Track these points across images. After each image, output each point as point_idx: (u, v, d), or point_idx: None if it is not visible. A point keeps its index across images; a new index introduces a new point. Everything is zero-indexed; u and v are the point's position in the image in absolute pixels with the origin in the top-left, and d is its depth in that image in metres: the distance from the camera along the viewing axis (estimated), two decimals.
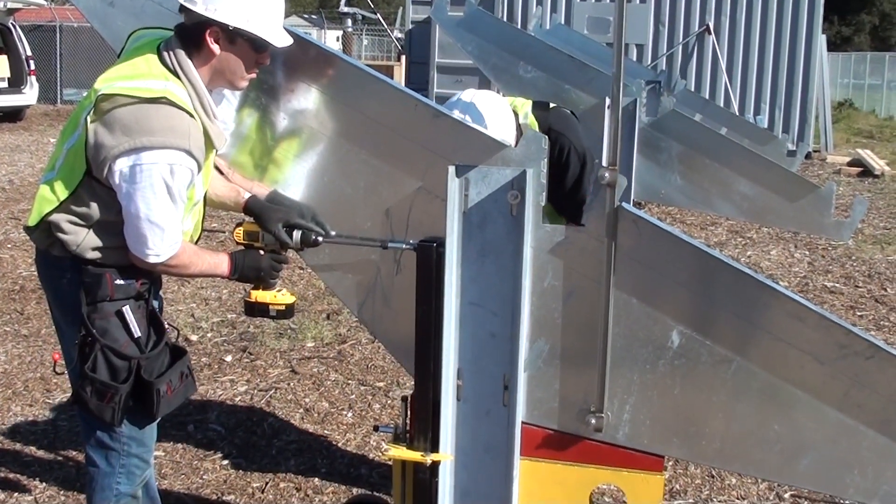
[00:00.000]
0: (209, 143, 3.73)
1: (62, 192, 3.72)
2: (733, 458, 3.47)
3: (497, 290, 3.53)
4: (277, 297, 4.02)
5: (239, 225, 3.99)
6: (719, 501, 5.72)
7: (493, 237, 3.51)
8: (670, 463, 5.90)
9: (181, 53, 3.70)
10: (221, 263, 3.91)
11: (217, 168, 3.98)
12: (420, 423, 3.67)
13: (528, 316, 3.50)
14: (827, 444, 3.32)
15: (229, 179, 4.05)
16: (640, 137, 7.72)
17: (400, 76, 24.99)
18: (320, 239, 3.85)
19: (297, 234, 3.85)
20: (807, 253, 12.36)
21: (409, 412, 3.78)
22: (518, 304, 3.48)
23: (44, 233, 3.83)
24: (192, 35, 3.70)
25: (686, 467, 6.00)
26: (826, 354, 3.25)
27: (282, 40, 3.72)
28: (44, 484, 5.61)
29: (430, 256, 3.55)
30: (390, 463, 4.11)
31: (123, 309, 3.82)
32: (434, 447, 3.62)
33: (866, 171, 19.81)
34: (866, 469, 3.31)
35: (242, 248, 3.98)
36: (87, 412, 3.88)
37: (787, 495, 5.77)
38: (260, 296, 4.02)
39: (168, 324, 4.05)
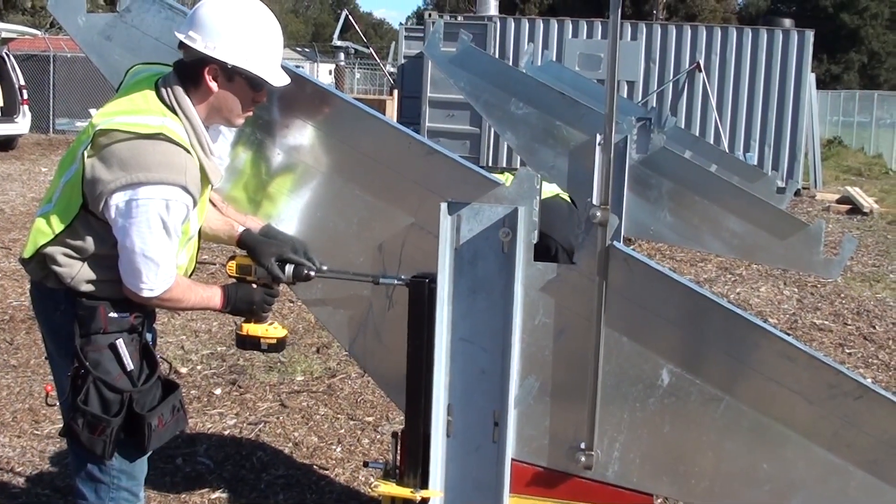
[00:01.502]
0: (205, 179, 3.73)
1: (58, 225, 3.72)
2: (723, 497, 3.48)
3: (488, 326, 3.55)
4: (269, 330, 4.01)
5: (232, 258, 3.99)
6: None
7: (485, 274, 3.53)
8: (658, 501, 5.89)
9: (179, 90, 3.71)
10: (214, 297, 3.90)
11: (210, 201, 3.99)
12: (410, 459, 3.68)
13: (519, 353, 3.52)
14: (816, 484, 3.33)
15: (223, 213, 4.06)
16: (631, 174, 7.74)
17: (392, 110, 25.10)
18: (313, 274, 3.86)
19: (289, 269, 3.86)
20: (796, 290, 12.38)
21: (398, 448, 3.78)
22: (509, 340, 3.49)
23: (39, 265, 3.80)
24: (190, 72, 3.70)
25: None
26: (815, 394, 3.26)
27: (280, 80, 3.75)
28: None
29: (421, 292, 3.57)
30: (380, 499, 4.09)
31: (117, 342, 3.80)
32: (424, 483, 3.63)
33: (855, 209, 19.87)
34: None
35: (235, 281, 3.99)
36: (77, 445, 3.85)
37: None
38: (251, 329, 4.01)
39: (160, 357, 4.04)
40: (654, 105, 20.24)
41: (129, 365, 3.82)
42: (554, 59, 17.75)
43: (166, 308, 3.94)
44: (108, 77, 4.14)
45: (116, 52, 4.09)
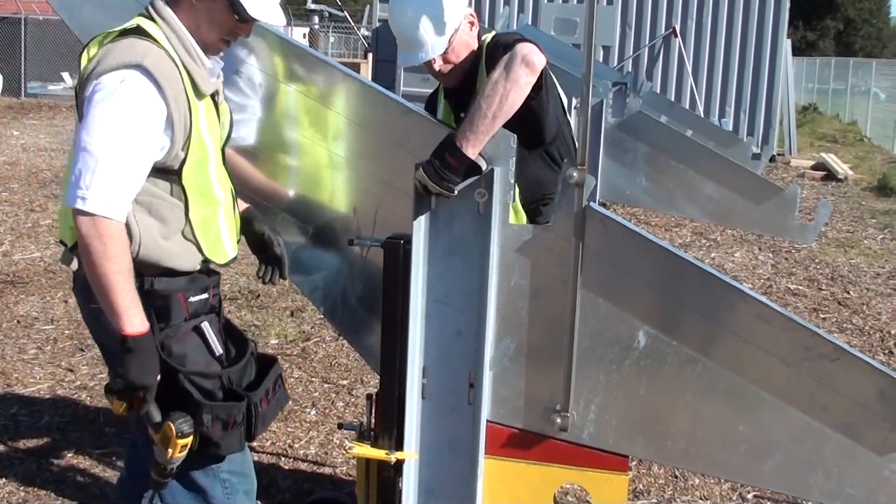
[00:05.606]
0: (195, 86, 3.39)
1: None
2: (698, 459, 3.48)
3: (464, 288, 3.52)
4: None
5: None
6: (682, 502, 5.73)
7: (461, 235, 3.50)
8: (633, 463, 5.91)
9: (159, 2, 3.42)
10: (133, 315, 3.17)
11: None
12: (385, 420, 3.66)
13: (495, 314, 3.49)
14: (792, 446, 3.33)
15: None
16: (606, 138, 7.73)
17: (367, 74, 24.95)
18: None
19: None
20: (770, 255, 12.42)
21: (373, 410, 3.77)
22: (484, 302, 3.47)
23: None
24: None
25: (649, 467, 6.01)
26: (792, 356, 3.25)
27: (267, 15, 3.42)
28: (3, 480, 5.55)
29: (396, 254, 3.54)
30: (354, 461, 4.08)
31: (202, 325, 3.47)
32: (398, 445, 3.61)
33: (830, 175, 19.93)
34: (830, 471, 3.32)
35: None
36: (213, 447, 3.44)
37: (749, 496, 5.79)
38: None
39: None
40: (630, 70, 20.21)
41: (218, 349, 3.52)
42: (529, 23, 17.68)
43: (85, 253, 3.13)
44: (80, 36, 4.04)
45: (86, 8, 4.00)
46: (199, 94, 3.42)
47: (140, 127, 3.18)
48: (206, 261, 3.51)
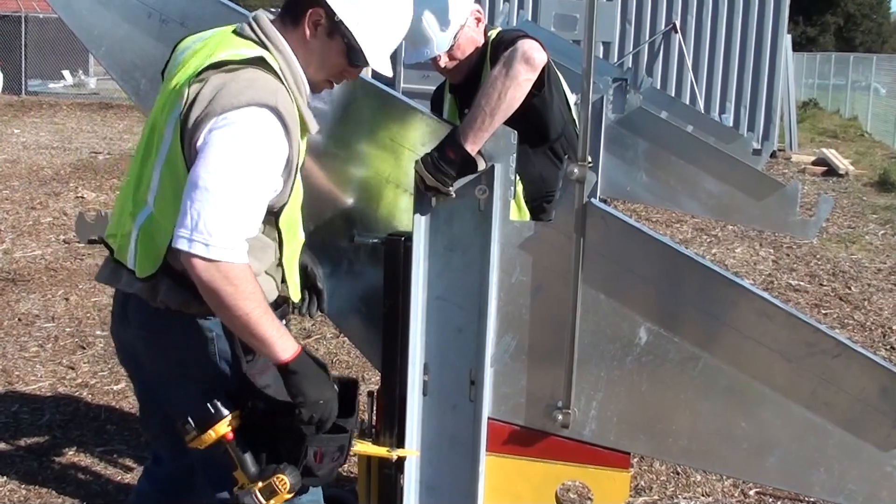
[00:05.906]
0: (302, 124, 3.19)
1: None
2: (700, 456, 3.47)
3: (464, 284, 3.52)
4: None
5: None
6: (684, 498, 5.72)
7: (461, 232, 3.49)
8: (635, 459, 5.90)
9: (267, 23, 3.19)
10: (286, 341, 3.05)
11: None
12: (386, 418, 3.65)
13: (496, 311, 3.49)
14: (794, 442, 3.32)
15: None
16: (607, 134, 7.73)
17: (366, 71, 24.94)
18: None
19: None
20: (771, 251, 12.39)
21: (374, 407, 3.76)
22: (485, 299, 3.46)
23: (170, 281, 3.12)
24: (293, 8, 3.21)
25: (651, 464, 6.00)
26: (793, 352, 3.25)
27: (382, 66, 3.31)
28: (4, 478, 5.55)
29: (397, 250, 3.53)
30: (355, 458, 4.07)
31: None
32: (400, 442, 3.60)
33: (831, 171, 19.90)
34: (832, 467, 3.31)
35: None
36: (314, 478, 3.22)
37: (751, 492, 5.78)
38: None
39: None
40: (630, 66, 20.20)
41: None
42: (529, 19, 17.67)
43: (215, 298, 2.93)
44: (78, 33, 4.00)
45: (84, 4, 3.96)
46: (303, 134, 3.25)
47: (265, 168, 3.02)
48: (281, 296, 3.37)
